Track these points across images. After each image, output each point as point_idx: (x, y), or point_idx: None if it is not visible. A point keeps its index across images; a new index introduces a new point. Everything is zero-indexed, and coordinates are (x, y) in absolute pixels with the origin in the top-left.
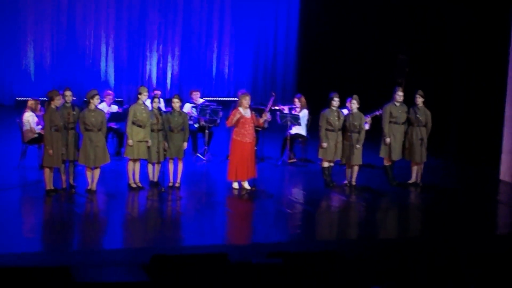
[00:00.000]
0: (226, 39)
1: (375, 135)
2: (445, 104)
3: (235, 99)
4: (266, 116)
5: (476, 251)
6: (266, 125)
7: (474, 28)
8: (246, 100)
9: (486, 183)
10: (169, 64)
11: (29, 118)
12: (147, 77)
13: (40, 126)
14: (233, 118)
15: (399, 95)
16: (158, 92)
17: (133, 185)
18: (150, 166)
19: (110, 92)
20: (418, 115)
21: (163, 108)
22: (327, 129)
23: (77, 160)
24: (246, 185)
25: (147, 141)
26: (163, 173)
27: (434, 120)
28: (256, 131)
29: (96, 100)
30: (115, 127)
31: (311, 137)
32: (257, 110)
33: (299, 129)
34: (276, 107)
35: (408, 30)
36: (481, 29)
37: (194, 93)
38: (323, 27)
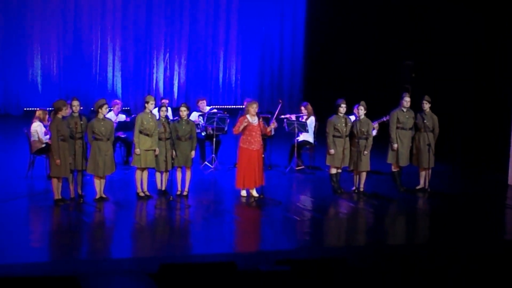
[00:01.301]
0: (233, 47)
1: (382, 141)
2: (453, 110)
3: (242, 107)
4: (274, 125)
5: (484, 257)
6: (273, 133)
7: (481, 32)
8: (253, 108)
9: (494, 189)
10: (176, 73)
11: (37, 128)
12: (154, 86)
13: (48, 136)
14: (240, 125)
15: (406, 100)
16: (165, 101)
17: (141, 194)
18: (158, 175)
19: (118, 101)
20: (425, 121)
21: (171, 117)
22: (334, 136)
23: (85, 170)
24: (254, 192)
25: (154, 150)
26: (171, 181)
27: (441, 125)
28: (264, 139)
29: (104, 109)
30: (122, 136)
31: (318, 144)
32: (264, 118)
33: (307, 136)
34: (283, 116)
35: (414, 36)
36: (488, 33)
37: (200, 101)
38: (329, 35)
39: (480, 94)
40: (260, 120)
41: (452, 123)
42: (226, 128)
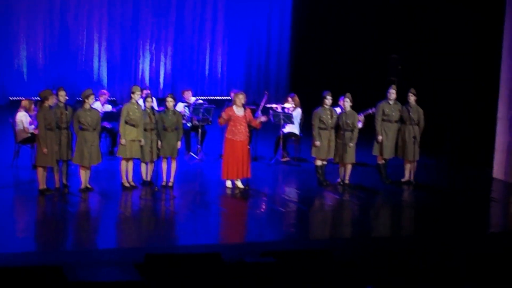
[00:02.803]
0: (219, 38)
1: (368, 134)
2: (439, 103)
3: (228, 98)
4: (264, 118)
5: (469, 249)
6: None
7: (468, 27)
8: (239, 99)
9: (480, 182)
10: (162, 63)
11: (22, 118)
12: (140, 76)
13: (33, 126)
14: (223, 116)
15: (391, 93)
16: (147, 91)
17: (126, 184)
18: (143, 165)
19: (105, 91)
20: (410, 113)
21: (156, 108)
22: (320, 128)
23: (71, 160)
24: (239, 184)
25: (140, 140)
26: (157, 172)
27: (427, 118)
28: (250, 130)
29: (91, 99)
30: (108, 126)
31: (304, 136)
32: (250, 110)
33: (293, 128)
34: (269, 105)
35: (401, 28)
36: (475, 28)
37: (186, 92)
38: (316, 26)
39: (466, 87)
40: (248, 111)
41: (438, 116)
42: (211, 119)
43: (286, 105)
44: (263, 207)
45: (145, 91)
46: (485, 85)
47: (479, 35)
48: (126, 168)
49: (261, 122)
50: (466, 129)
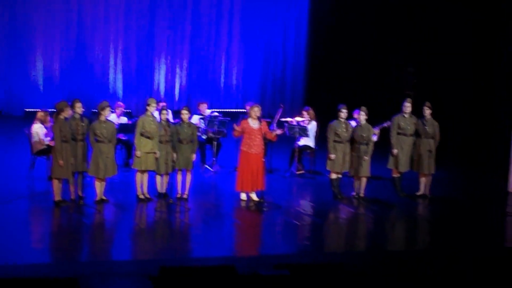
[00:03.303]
0: (235, 51)
1: (383, 147)
2: (454, 116)
3: (243, 110)
4: (280, 131)
5: (484, 263)
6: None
7: (482, 40)
8: (254, 112)
9: (495, 195)
10: (177, 76)
11: (38, 129)
12: (155, 88)
13: (48, 138)
14: (239, 129)
15: (406, 106)
16: (163, 104)
17: (141, 197)
18: (158, 178)
19: (121, 104)
20: (426, 127)
21: (171, 120)
22: (335, 141)
23: (86, 171)
24: (254, 196)
25: (155, 153)
26: (171, 184)
27: (442, 131)
28: (265, 143)
29: (107, 111)
30: (123, 138)
31: (319, 149)
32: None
33: (308, 141)
34: (285, 119)
35: (416, 42)
36: (490, 41)
37: (201, 105)
38: (332, 39)
39: (481, 100)
40: (264, 124)
41: (453, 129)
42: (226, 131)
43: (301, 118)
44: (278, 220)
45: (161, 104)
46: (500, 97)
47: (494, 47)
48: (141, 180)
49: (277, 135)
50: (481, 142)
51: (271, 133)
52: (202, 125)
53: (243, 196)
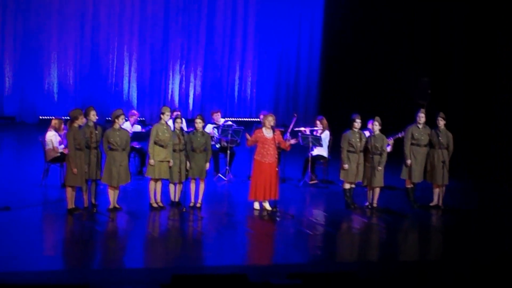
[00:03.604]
0: (249, 60)
1: (397, 157)
2: (467, 126)
3: (257, 119)
4: (294, 140)
5: (497, 274)
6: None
7: (498, 52)
8: (269, 121)
9: (509, 206)
10: (191, 84)
11: (52, 137)
12: (169, 97)
13: (62, 146)
14: (252, 138)
15: (420, 116)
16: (178, 113)
17: (155, 205)
18: (171, 186)
19: (135, 112)
20: (440, 138)
21: (185, 128)
22: (348, 151)
23: (100, 179)
24: (267, 205)
25: (168, 161)
26: (185, 193)
27: (456, 142)
28: (278, 152)
29: (121, 119)
30: (137, 146)
31: (332, 158)
32: (279, 131)
33: (321, 150)
34: (298, 129)
35: (431, 52)
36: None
37: (215, 114)
38: (346, 49)
39: (494, 110)
40: (278, 133)
41: (467, 140)
42: (239, 140)
43: (315, 128)
44: (290, 229)
45: (175, 112)
46: None
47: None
48: (155, 189)
49: (291, 144)
50: (494, 152)
51: (285, 142)
52: (216, 134)
53: (256, 205)
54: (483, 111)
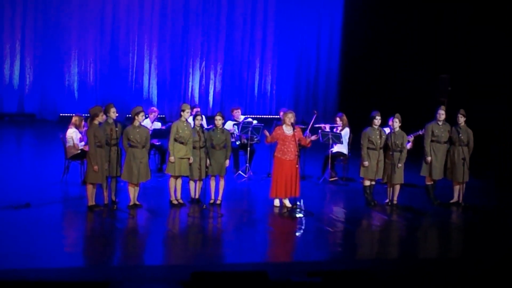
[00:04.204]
0: (269, 57)
1: (416, 154)
2: (488, 123)
3: (277, 116)
4: (315, 137)
5: None
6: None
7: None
8: (288, 118)
9: None
10: (211, 82)
11: (73, 134)
12: (189, 94)
13: (83, 143)
14: (272, 136)
15: (440, 113)
16: (198, 109)
17: (175, 202)
18: (191, 183)
19: (155, 109)
20: (460, 135)
21: (205, 125)
22: (368, 148)
23: (120, 176)
24: (287, 203)
25: (189, 158)
26: (205, 190)
27: (476, 139)
28: (299, 149)
29: (141, 116)
30: (157, 143)
31: (352, 156)
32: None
33: (341, 148)
34: (318, 125)
35: (451, 49)
36: None
37: (235, 111)
38: (366, 46)
39: None
40: (298, 130)
41: (487, 137)
42: (258, 138)
43: (335, 125)
44: (310, 226)
45: (195, 109)
46: None
47: None
48: (175, 186)
49: (311, 141)
50: None
51: (305, 139)
52: (236, 131)
53: (276, 202)
54: (505, 107)
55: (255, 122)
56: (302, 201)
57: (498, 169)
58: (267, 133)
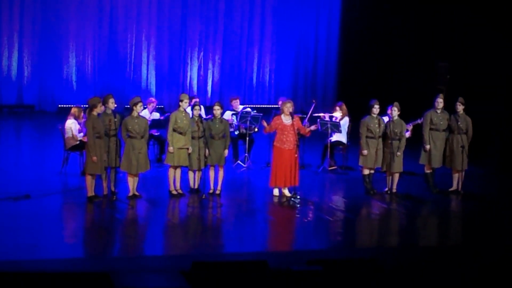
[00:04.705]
0: (267, 47)
1: (415, 142)
2: (487, 111)
3: (276, 106)
4: (314, 127)
5: None
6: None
7: None
8: (287, 107)
9: None
10: (209, 71)
11: (71, 125)
12: (188, 84)
13: (82, 134)
14: (271, 125)
15: (439, 102)
16: (196, 100)
17: (174, 192)
18: (191, 173)
19: (153, 99)
20: (459, 123)
21: (204, 115)
22: (367, 137)
23: (119, 167)
24: (286, 192)
25: (187, 148)
26: (204, 180)
27: (475, 127)
28: (298, 138)
29: (139, 107)
30: (156, 134)
31: (351, 144)
32: (298, 117)
33: (340, 137)
34: (317, 114)
35: (450, 37)
36: None
37: (234, 100)
38: (364, 35)
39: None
40: (297, 119)
41: (486, 125)
42: (257, 127)
43: (334, 114)
44: (310, 215)
45: (194, 100)
46: None
47: None
48: (174, 176)
49: (311, 131)
50: None
51: (304, 128)
52: (235, 121)
53: (276, 191)
54: (504, 95)
55: (254, 112)
56: (297, 192)
57: (497, 156)
58: (265, 124)
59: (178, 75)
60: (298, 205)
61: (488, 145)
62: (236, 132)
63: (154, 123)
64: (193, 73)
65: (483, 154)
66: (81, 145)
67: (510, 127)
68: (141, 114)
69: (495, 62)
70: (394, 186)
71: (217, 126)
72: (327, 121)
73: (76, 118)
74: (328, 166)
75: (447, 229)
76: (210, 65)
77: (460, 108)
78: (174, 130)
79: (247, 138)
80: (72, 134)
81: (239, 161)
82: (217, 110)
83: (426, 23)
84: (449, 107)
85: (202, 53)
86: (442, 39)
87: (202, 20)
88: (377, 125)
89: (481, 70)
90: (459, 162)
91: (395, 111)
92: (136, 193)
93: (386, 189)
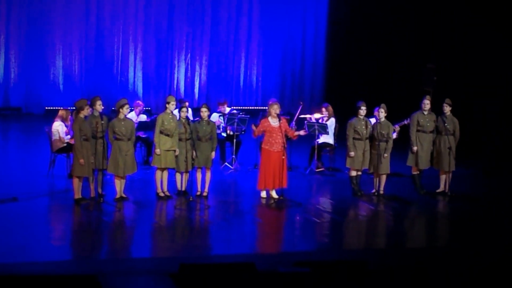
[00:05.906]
0: (254, 48)
1: (403, 144)
2: (474, 113)
3: (263, 108)
4: (304, 132)
5: (504, 261)
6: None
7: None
8: (274, 109)
9: None
10: (197, 73)
11: (58, 127)
12: (175, 86)
13: (69, 136)
14: (259, 128)
15: (425, 103)
16: (186, 103)
17: (161, 194)
18: (178, 175)
19: (140, 102)
20: (446, 124)
21: (191, 118)
22: (354, 138)
23: (106, 169)
24: (273, 194)
25: (174, 150)
26: (191, 182)
27: (462, 129)
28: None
29: (125, 109)
30: (143, 136)
31: (339, 146)
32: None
33: (327, 138)
34: (304, 116)
35: (436, 39)
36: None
37: (221, 106)
38: (351, 37)
39: (501, 97)
40: (283, 121)
41: (473, 126)
42: (244, 129)
43: (319, 115)
44: (297, 217)
45: (183, 102)
46: None
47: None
48: (161, 178)
49: (299, 135)
50: (501, 139)
51: (292, 131)
52: (222, 123)
53: (263, 193)
54: (491, 96)
55: (241, 114)
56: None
57: (484, 158)
58: (254, 127)
59: (165, 77)
60: (285, 207)
61: (475, 146)
62: (224, 134)
63: (141, 125)
64: (180, 75)
65: (471, 155)
66: (68, 148)
67: (497, 128)
68: (127, 116)
69: (482, 63)
70: (382, 188)
71: (204, 128)
72: (314, 122)
73: (63, 120)
74: (315, 167)
75: (434, 231)
76: (197, 67)
77: (447, 109)
78: (161, 132)
79: (234, 140)
80: (59, 137)
81: (226, 163)
82: (204, 112)
83: (414, 24)
84: (436, 109)
85: (189, 55)
86: (430, 40)
87: (189, 22)
88: (364, 127)
89: (469, 71)
90: (446, 164)
91: (382, 113)
92: (123, 195)
93: (374, 190)
